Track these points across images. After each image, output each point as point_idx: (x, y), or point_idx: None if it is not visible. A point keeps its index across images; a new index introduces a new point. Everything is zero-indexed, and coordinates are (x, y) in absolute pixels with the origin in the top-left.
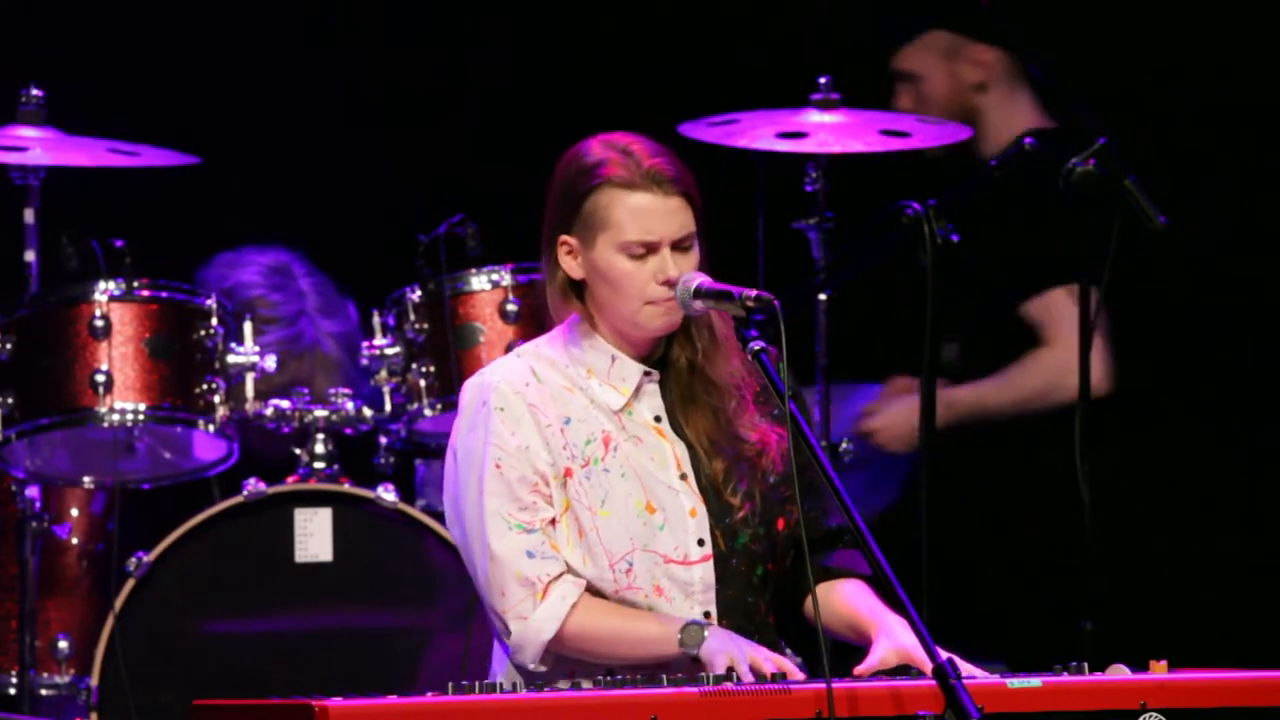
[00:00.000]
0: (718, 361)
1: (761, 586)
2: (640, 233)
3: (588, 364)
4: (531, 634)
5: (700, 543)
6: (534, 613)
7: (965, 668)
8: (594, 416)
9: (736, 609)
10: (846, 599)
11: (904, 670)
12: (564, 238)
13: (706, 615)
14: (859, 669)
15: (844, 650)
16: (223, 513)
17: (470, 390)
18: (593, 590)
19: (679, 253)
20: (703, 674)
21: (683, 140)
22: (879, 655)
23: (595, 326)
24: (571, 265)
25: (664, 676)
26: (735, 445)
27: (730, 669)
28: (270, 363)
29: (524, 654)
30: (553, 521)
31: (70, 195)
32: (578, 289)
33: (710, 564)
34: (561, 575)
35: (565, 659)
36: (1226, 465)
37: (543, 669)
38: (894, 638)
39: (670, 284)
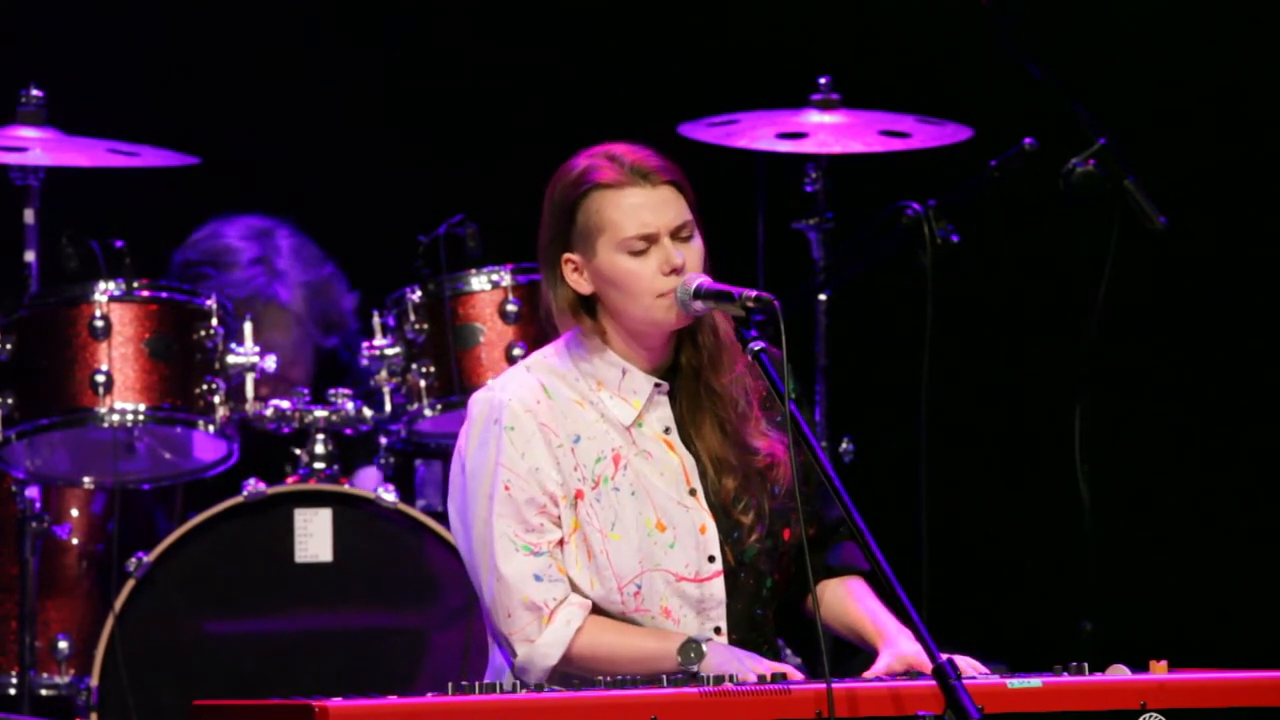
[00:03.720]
0: (721, 368)
1: (769, 598)
2: (637, 227)
3: (598, 377)
4: (538, 658)
5: (711, 559)
6: (540, 637)
7: (975, 666)
8: (604, 433)
9: (744, 623)
10: (849, 602)
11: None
12: (566, 255)
13: (717, 631)
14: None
15: (844, 650)
16: (223, 513)
17: (480, 405)
18: (599, 610)
19: (680, 242)
20: (703, 675)
21: (683, 140)
22: (884, 665)
23: (607, 341)
24: (579, 281)
25: (664, 677)
26: (744, 459)
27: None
28: (270, 363)
29: (529, 675)
30: (560, 543)
31: (70, 195)
32: (586, 305)
33: (721, 580)
34: (567, 598)
35: (568, 675)
36: (1226, 466)
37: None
38: (898, 648)
39: (677, 271)
